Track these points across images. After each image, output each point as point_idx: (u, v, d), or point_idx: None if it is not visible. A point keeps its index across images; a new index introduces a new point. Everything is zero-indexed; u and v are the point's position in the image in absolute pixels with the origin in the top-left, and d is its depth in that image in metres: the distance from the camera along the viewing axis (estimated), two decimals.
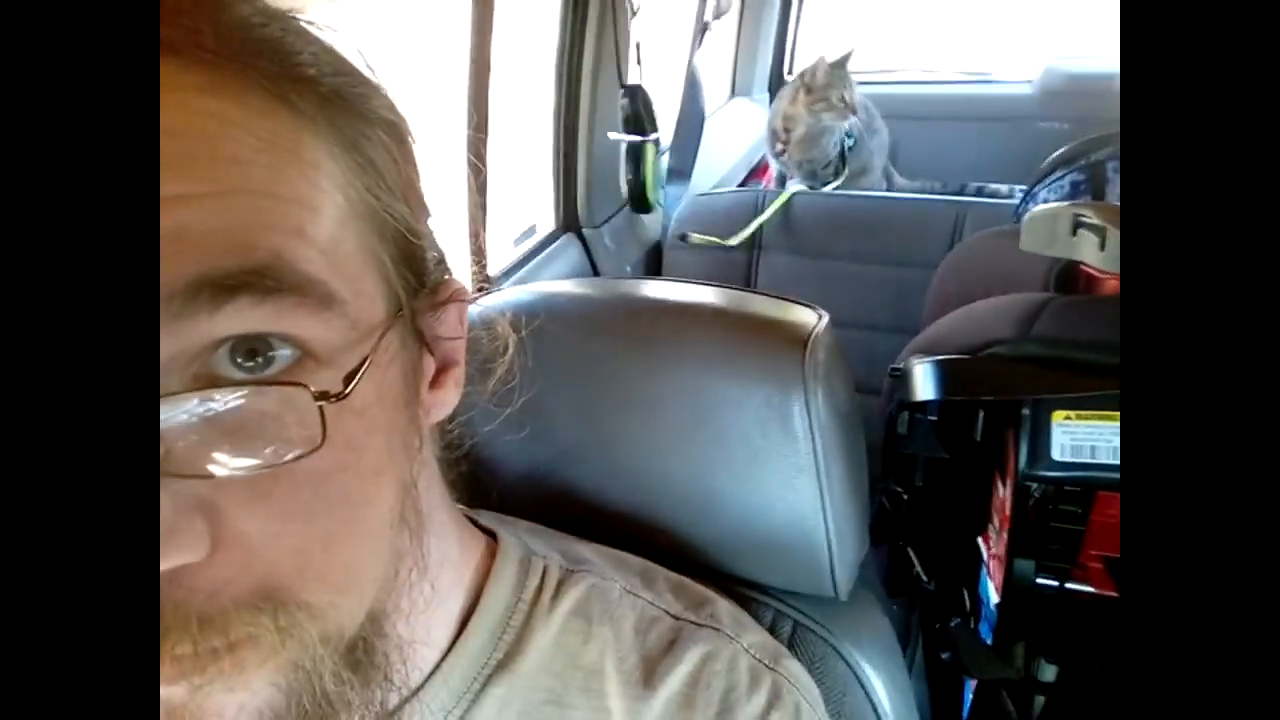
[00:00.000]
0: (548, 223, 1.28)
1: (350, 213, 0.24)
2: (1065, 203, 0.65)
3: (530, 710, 0.32)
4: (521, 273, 1.12)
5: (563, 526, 0.41)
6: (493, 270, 1.03)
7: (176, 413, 0.20)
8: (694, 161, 1.46)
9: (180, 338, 0.20)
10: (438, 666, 0.31)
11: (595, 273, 1.28)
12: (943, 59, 2.23)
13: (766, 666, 0.35)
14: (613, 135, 1.22)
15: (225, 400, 0.20)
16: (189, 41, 0.21)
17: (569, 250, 1.26)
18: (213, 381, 0.20)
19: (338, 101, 0.24)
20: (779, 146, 1.55)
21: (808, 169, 1.55)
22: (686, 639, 0.34)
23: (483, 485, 0.43)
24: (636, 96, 1.20)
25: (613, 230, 1.33)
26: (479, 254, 0.85)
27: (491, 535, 0.36)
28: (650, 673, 0.33)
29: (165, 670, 0.20)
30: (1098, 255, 0.57)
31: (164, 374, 0.20)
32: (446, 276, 0.29)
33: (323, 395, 0.21)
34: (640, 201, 1.28)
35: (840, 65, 1.49)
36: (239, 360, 0.20)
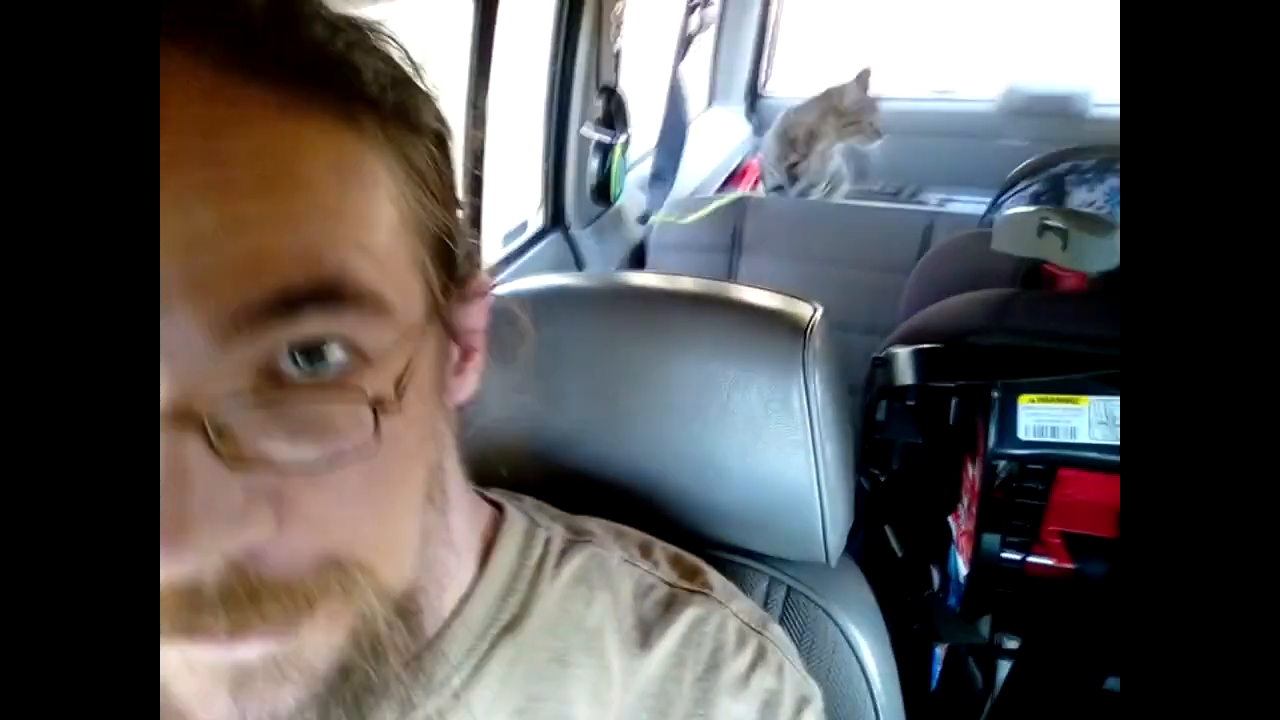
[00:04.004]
0: (535, 219, 1.31)
1: (401, 223, 0.25)
2: (1032, 208, 0.71)
3: (536, 668, 0.33)
4: (510, 269, 1.15)
5: (571, 503, 0.43)
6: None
7: (248, 410, 0.22)
8: (677, 167, 1.51)
9: (255, 345, 0.21)
10: (446, 627, 0.32)
11: (580, 270, 1.32)
12: (910, 76, 2.32)
13: (753, 630, 0.37)
14: (584, 131, 1.26)
15: (291, 400, 0.22)
16: (267, 65, 0.22)
17: (555, 248, 1.29)
18: (279, 382, 0.22)
19: (396, 119, 0.25)
20: (794, 159, 1.59)
21: (809, 181, 1.61)
22: (680, 604, 0.36)
23: (492, 464, 0.44)
24: (611, 97, 1.25)
25: (598, 230, 1.36)
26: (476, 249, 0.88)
27: (498, 508, 0.37)
28: (646, 634, 0.35)
29: (246, 632, 0.22)
30: (1061, 255, 0.63)
31: (236, 375, 0.22)
32: (475, 270, 0.30)
33: (377, 402, 0.23)
34: (602, 193, 1.32)
35: (865, 87, 1.55)
36: (298, 359, 0.22)
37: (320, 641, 0.24)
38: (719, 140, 1.92)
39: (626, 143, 1.30)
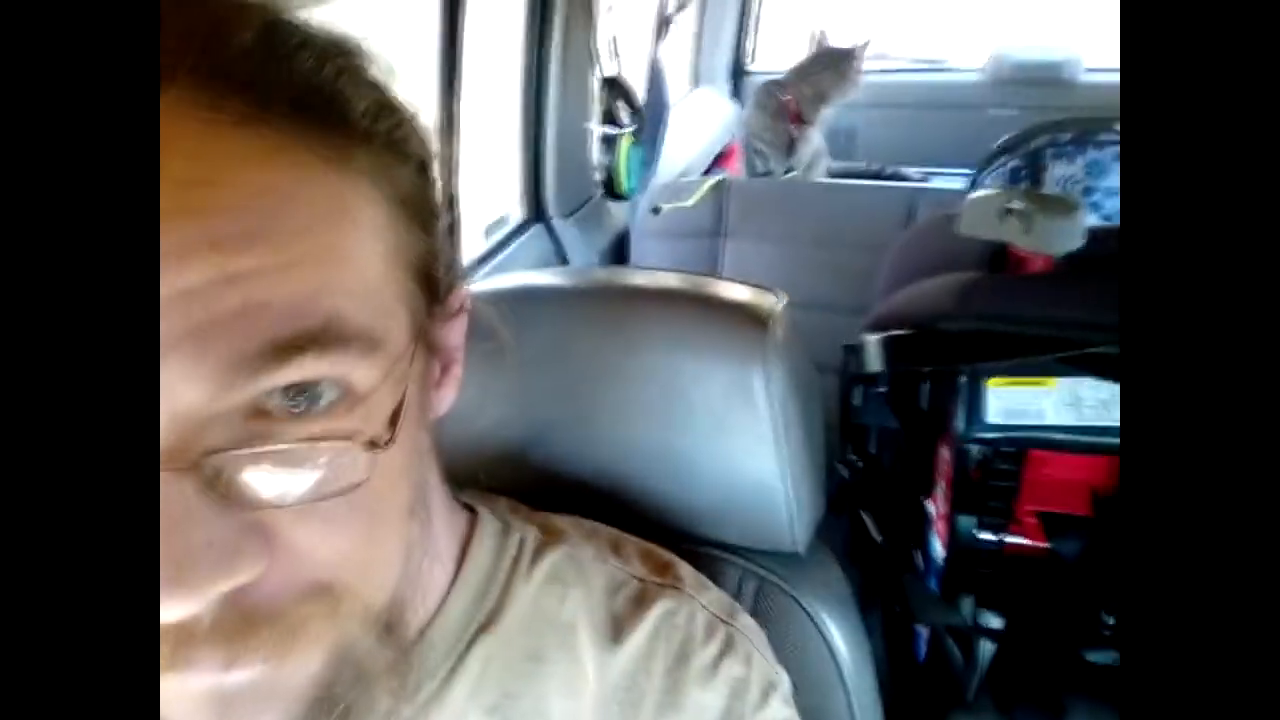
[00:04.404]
0: (516, 212, 1.31)
1: (387, 256, 0.25)
2: (996, 190, 0.71)
3: (511, 666, 0.34)
4: (493, 263, 1.15)
5: (542, 500, 0.43)
6: (463, 261, 1.05)
7: (240, 451, 0.22)
8: (659, 151, 1.50)
9: (247, 390, 0.22)
10: (425, 629, 0.33)
11: (564, 262, 1.31)
12: (899, 46, 2.29)
13: (721, 620, 0.38)
14: (592, 126, 1.25)
15: (285, 440, 0.23)
16: (257, 109, 0.22)
17: (538, 240, 1.28)
18: (271, 421, 0.23)
19: (383, 150, 0.25)
20: (783, 129, 1.57)
21: (789, 163, 1.60)
22: (651, 598, 0.37)
23: (462, 465, 0.47)
24: (615, 88, 1.24)
25: (581, 220, 1.36)
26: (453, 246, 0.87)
27: (471, 511, 0.38)
28: (618, 629, 0.36)
29: (241, 660, 0.23)
30: (1024, 238, 0.63)
31: (229, 420, 0.22)
32: (454, 285, 0.30)
33: (371, 444, 0.24)
34: (613, 189, 1.31)
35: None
36: (289, 399, 0.23)
37: (302, 665, 0.25)
38: (703, 122, 1.91)
39: (637, 134, 1.29)
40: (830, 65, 1.58)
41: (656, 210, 1.44)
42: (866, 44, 1.59)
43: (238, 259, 0.21)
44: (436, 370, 0.31)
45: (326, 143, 0.23)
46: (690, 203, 1.42)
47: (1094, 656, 0.75)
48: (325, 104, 0.24)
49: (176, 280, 0.20)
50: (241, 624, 0.23)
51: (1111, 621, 0.71)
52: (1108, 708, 0.76)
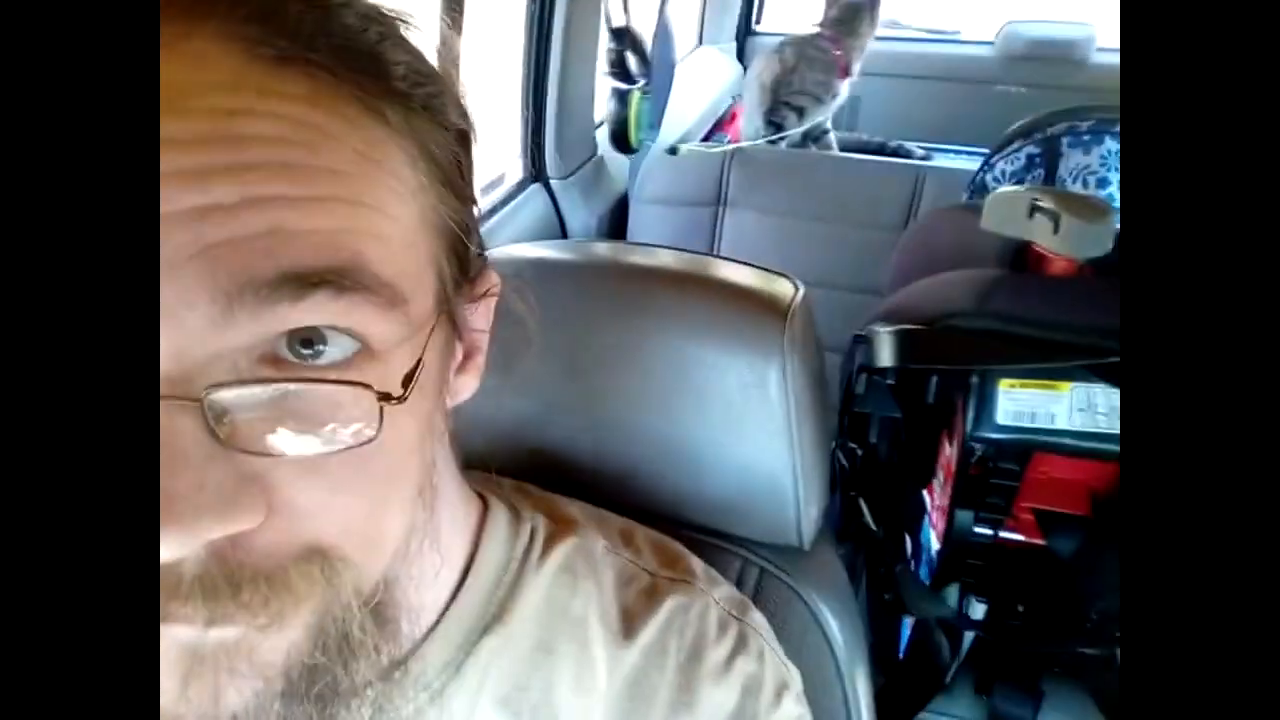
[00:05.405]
0: (514, 171, 1.27)
1: (420, 218, 0.25)
2: (1023, 187, 0.69)
3: (522, 657, 0.34)
4: (489, 224, 1.11)
5: (546, 481, 0.43)
6: None
7: (245, 391, 0.21)
8: (663, 112, 1.46)
9: (260, 324, 0.21)
10: (438, 622, 0.33)
11: (561, 226, 1.28)
12: (911, 14, 2.23)
13: (734, 617, 0.38)
14: (604, 76, 1.22)
15: (294, 386, 0.22)
16: (298, 53, 0.22)
17: (535, 202, 1.25)
18: (280, 367, 0.22)
19: (422, 113, 0.25)
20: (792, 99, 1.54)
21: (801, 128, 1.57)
22: (662, 592, 0.37)
23: (469, 443, 0.46)
24: (625, 38, 1.19)
25: (580, 183, 1.32)
26: None
27: (480, 498, 0.37)
28: (630, 624, 0.36)
29: (224, 619, 0.22)
30: (1051, 238, 0.61)
31: (238, 356, 0.21)
32: (485, 268, 0.30)
33: (385, 397, 0.23)
34: (622, 142, 1.28)
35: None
36: (296, 348, 0.22)
37: (284, 631, 0.23)
38: (707, 83, 1.85)
39: (648, 87, 1.25)
40: (861, 15, 1.55)
41: (674, 150, 1.41)
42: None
43: (266, 184, 0.21)
44: (459, 352, 0.30)
45: (365, 94, 0.23)
46: (713, 149, 1.39)
47: (1076, 648, 0.76)
48: (365, 58, 0.23)
49: (200, 198, 0.20)
50: (227, 580, 0.22)
51: (1095, 616, 0.73)
52: (1085, 692, 0.78)
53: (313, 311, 0.21)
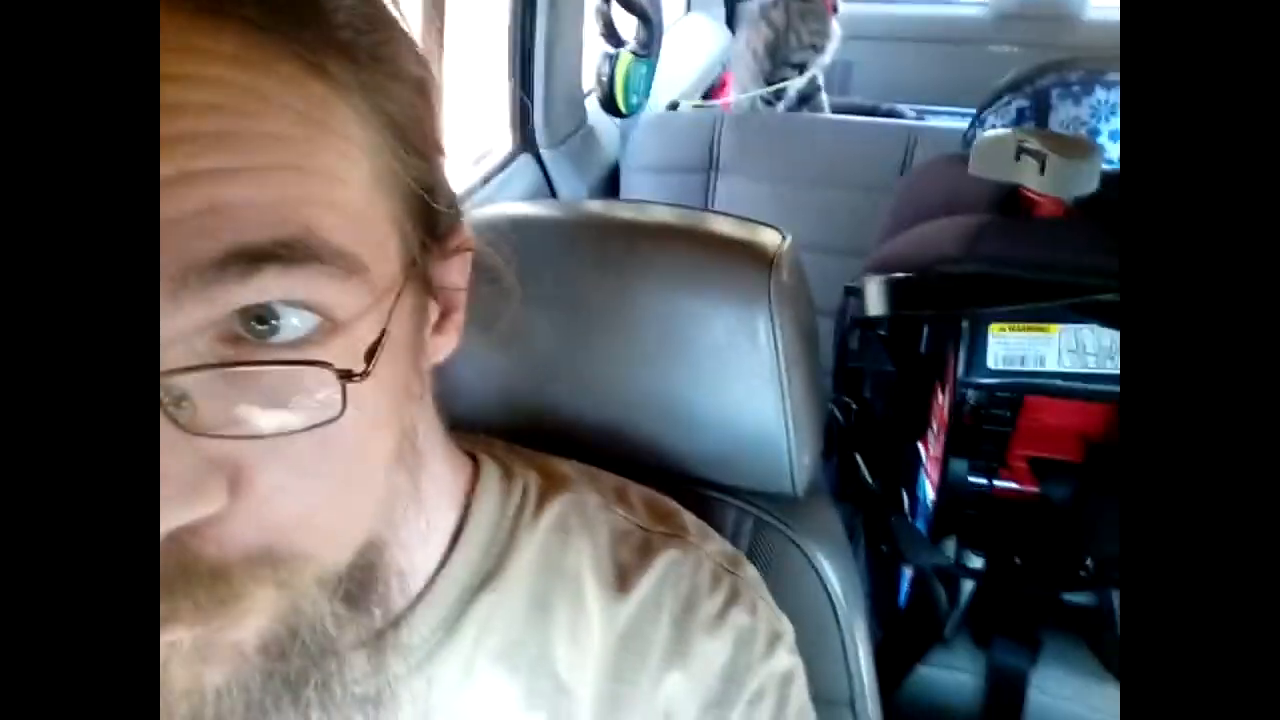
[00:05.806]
0: (502, 143, 1.26)
1: (375, 179, 0.24)
2: (1011, 129, 0.68)
3: (518, 612, 0.34)
4: (480, 195, 1.11)
5: (538, 442, 0.43)
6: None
7: (199, 373, 0.20)
8: (652, 78, 1.44)
9: (210, 304, 0.20)
10: (431, 582, 0.33)
11: (553, 195, 1.27)
12: None
13: (727, 570, 0.38)
14: (593, 33, 1.21)
15: (253, 366, 0.21)
16: (230, 7, 0.20)
17: (526, 172, 1.24)
18: (239, 347, 0.21)
19: (371, 65, 0.23)
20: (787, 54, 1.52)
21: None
22: (656, 548, 0.37)
23: (455, 406, 0.45)
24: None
25: (570, 151, 1.31)
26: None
27: (471, 458, 0.37)
28: (624, 578, 0.36)
29: (175, 616, 0.21)
30: (1037, 179, 0.61)
31: (192, 337, 0.20)
32: (456, 223, 0.29)
33: (346, 374, 0.22)
34: (611, 104, 1.27)
35: None
36: (258, 321, 0.21)
37: (249, 626, 0.23)
38: (695, 51, 1.84)
39: (645, 46, 1.24)
40: None
41: (674, 105, 1.40)
42: None
43: (203, 157, 0.19)
44: (434, 312, 0.29)
45: (304, 49, 0.22)
46: (713, 105, 1.38)
47: (1072, 598, 0.77)
48: (300, 6, 0.22)
49: None
50: (179, 577, 0.21)
51: (1091, 565, 0.73)
52: (1083, 644, 0.79)
53: (262, 288, 0.20)
